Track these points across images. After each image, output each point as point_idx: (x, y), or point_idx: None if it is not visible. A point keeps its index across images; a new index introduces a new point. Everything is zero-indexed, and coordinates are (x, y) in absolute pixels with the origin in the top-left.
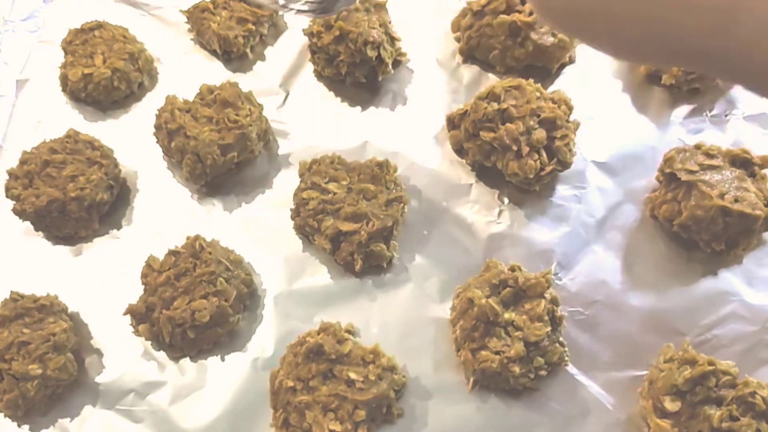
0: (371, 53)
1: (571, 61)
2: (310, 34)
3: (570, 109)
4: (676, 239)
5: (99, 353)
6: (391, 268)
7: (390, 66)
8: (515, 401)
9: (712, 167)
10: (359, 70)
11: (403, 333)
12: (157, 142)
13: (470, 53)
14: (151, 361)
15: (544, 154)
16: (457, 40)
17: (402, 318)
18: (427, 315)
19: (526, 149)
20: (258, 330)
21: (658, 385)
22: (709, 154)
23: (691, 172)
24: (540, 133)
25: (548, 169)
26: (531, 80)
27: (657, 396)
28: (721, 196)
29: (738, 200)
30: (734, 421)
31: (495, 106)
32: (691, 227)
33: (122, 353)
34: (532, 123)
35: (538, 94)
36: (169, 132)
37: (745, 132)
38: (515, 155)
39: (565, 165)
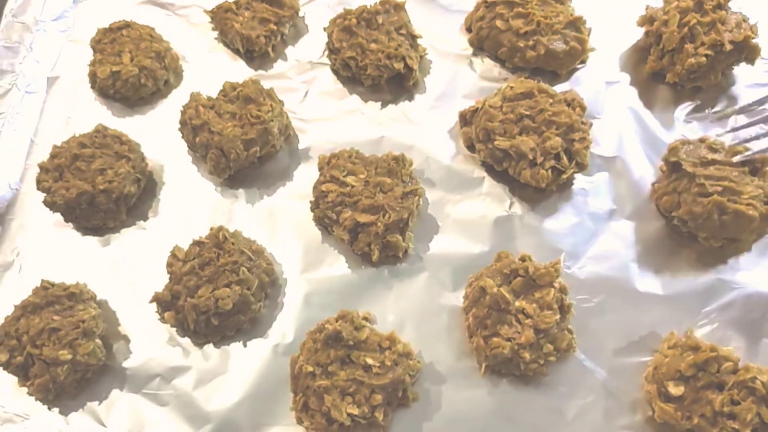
0: (398, 65)
1: (582, 62)
2: (330, 48)
3: (583, 110)
4: (680, 229)
5: (126, 339)
6: (406, 258)
7: (417, 71)
8: (525, 386)
9: (714, 162)
10: (384, 79)
11: (418, 320)
12: (182, 137)
13: (479, 45)
14: (176, 347)
15: (564, 158)
16: (469, 31)
17: (417, 306)
18: (441, 303)
19: (540, 158)
20: (279, 317)
21: (662, 371)
22: (712, 149)
23: (694, 164)
24: (555, 140)
25: (568, 172)
26: (541, 84)
27: (661, 381)
28: (719, 192)
29: (735, 198)
30: (735, 405)
31: (510, 116)
32: (688, 223)
33: (149, 339)
34: (547, 131)
35: (550, 100)
36: (194, 127)
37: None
38: (529, 164)
39: (582, 167)
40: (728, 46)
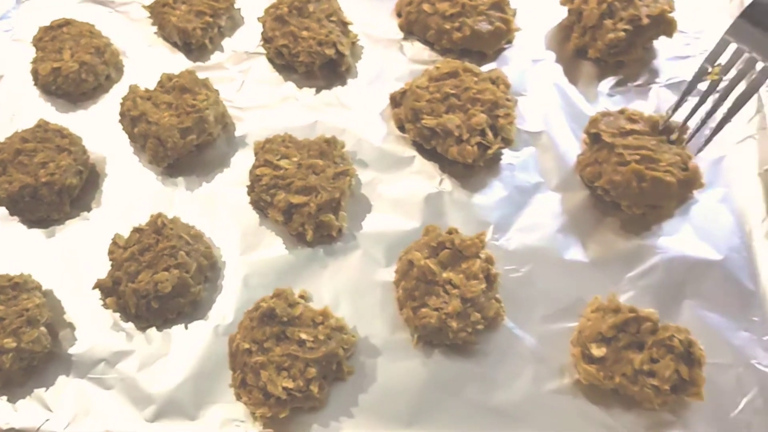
0: (329, 51)
1: (509, 42)
2: (264, 37)
3: (508, 87)
4: (603, 198)
5: (72, 327)
6: (340, 237)
7: (350, 57)
8: (457, 355)
9: (633, 132)
10: (317, 65)
11: (353, 296)
12: (123, 129)
13: (409, 29)
14: (120, 331)
15: (490, 133)
16: (399, 16)
17: (352, 283)
18: (375, 279)
19: (466, 135)
20: (218, 299)
21: (585, 334)
22: (631, 119)
23: (613, 134)
24: (480, 117)
25: (494, 147)
26: (466, 63)
27: (585, 343)
28: (638, 160)
29: (654, 166)
30: (655, 363)
31: (437, 95)
32: (611, 192)
33: (93, 326)
34: (472, 109)
35: (475, 79)
36: (132, 119)
37: (665, 99)
38: (456, 140)
39: (508, 142)
40: (645, 21)
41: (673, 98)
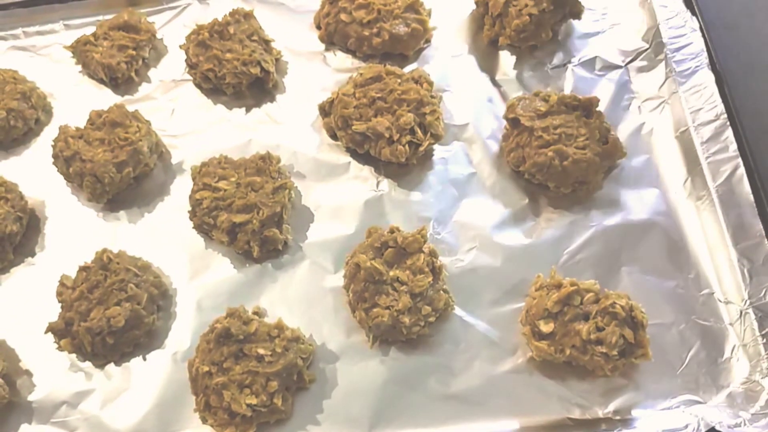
0: (254, 70)
1: (427, 41)
2: (189, 64)
3: (431, 84)
4: (531, 181)
5: (29, 374)
6: (287, 250)
7: (275, 73)
8: (413, 349)
9: (550, 112)
10: (244, 85)
11: (306, 306)
12: (58, 170)
13: (330, 40)
14: (78, 372)
15: (419, 131)
16: (318, 28)
17: (303, 293)
18: (325, 286)
19: (396, 135)
20: (173, 326)
21: (532, 312)
22: (545, 100)
23: (531, 117)
24: (408, 117)
25: (425, 144)
26: (388, 66)
27: (533, 321)
28: (556, 140)
29: (573, 143)
30: (601, 331)
31: (363, 100)
32: (536, 174)
33: (50, 370)
34: (399, 109)
35: (398, 80)
36: (66, 159)
37: (580, 77)
38: (387, 142)
39: (437, 137)
40: (548, 4)
41: (588, 76)
